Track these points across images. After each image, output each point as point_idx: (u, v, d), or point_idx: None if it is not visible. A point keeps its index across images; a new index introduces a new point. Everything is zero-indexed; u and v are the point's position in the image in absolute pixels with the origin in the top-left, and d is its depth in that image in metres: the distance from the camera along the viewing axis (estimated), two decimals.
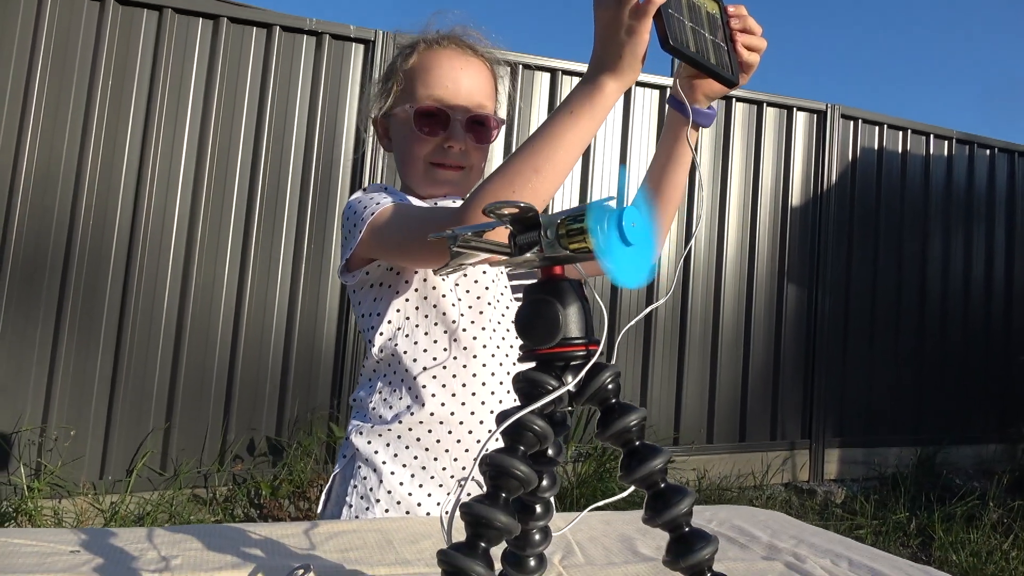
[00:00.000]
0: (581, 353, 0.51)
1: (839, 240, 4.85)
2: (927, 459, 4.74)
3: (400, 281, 1.04)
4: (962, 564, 3.14)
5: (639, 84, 4.35)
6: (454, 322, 1.03)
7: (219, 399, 3.45)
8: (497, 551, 0.51)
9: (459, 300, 1.04)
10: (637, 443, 0.50)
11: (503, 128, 1.16)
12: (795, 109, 4.78)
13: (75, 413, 3.21)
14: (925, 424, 5.05)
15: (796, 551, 0.81)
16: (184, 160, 3.43)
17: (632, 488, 0.52)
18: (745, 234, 4.61)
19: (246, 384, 3.49)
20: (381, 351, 1.04)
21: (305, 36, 3.68)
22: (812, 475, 4.68)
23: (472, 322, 1.03)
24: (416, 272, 1.03)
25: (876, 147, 5.06)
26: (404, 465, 1.02)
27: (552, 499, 0.58)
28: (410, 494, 1.02)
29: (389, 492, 1.01)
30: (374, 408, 1.05)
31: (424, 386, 1.02)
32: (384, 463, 1.02)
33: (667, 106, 0.98)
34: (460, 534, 0.47)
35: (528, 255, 0.50)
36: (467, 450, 1.03)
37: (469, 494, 0.52)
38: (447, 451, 1.02)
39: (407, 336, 1.03)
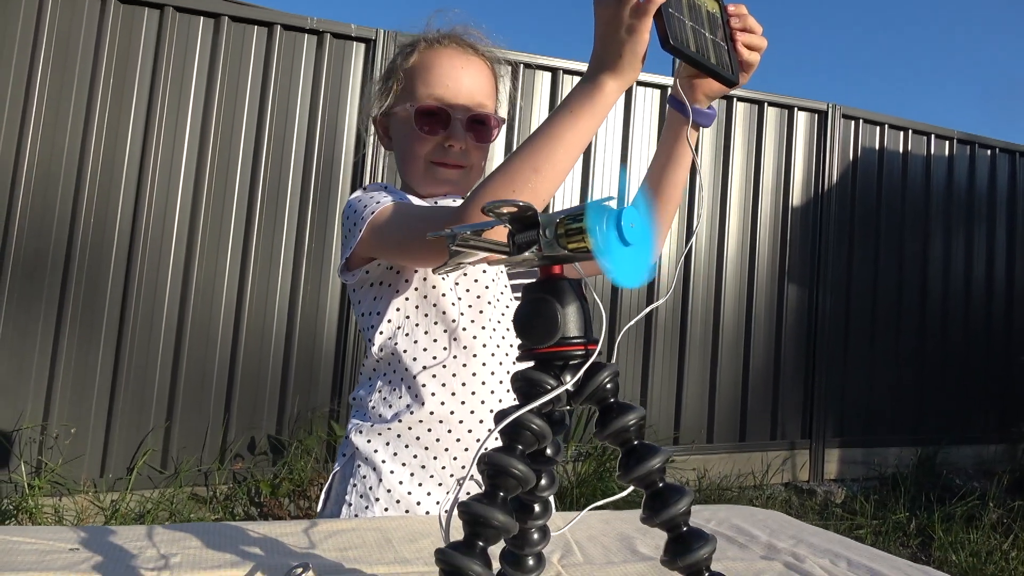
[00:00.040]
0: (580, 352, 0.50)
1: (840, 240, 4.85)
2: (927, 459, 4.74)
3: (400, 280, 1.04)
4: (962, 564, 3.13)
5: (639, 83, 4.34)
6: (454, 321, 1.03)
7: (220, 397, 3.45)
8: (496, 550, 0.51)
9: (459, 299, 1.04)
10: (635, 442, 0.50)
11: (503, 127, 1.16)
12: (796, 109, 4.77)
13: (76, 411, 3.22)
14: (925, 424, 5.04)
15: (795, 551, 0.81)
16: (185, 158, 3.44)
17: (631, 488, 0.52)
18: (746, 234, 4.61)
19: (247, 382, 3.49)
20: (381, 350, 1.04)
21: (306, 35, 3.68)
22: (812, 475, 4.68)
23: (472, 321, 1.03)
24: (416, 271, 1.03)
25: (877, 147, 5.05)
26: (403, 464, 1.02)
27: (551, 498, 0.58)
28: (409, 493, 1.02)
29: (388, 491, 1.01)
30: (374, 407, 1.05)
31: (424, 385, 1.02)
32: (384, 462, 1.02)
33: (667, 106, 0.98)
34: (459, 533, 0.47)
35: (527, 254, 0.50)
36: (467, 449, 1.03)
37: (468, 493, 0.52)
38: (447, 450, 1.02)
39: (407, 335, 1.03)
